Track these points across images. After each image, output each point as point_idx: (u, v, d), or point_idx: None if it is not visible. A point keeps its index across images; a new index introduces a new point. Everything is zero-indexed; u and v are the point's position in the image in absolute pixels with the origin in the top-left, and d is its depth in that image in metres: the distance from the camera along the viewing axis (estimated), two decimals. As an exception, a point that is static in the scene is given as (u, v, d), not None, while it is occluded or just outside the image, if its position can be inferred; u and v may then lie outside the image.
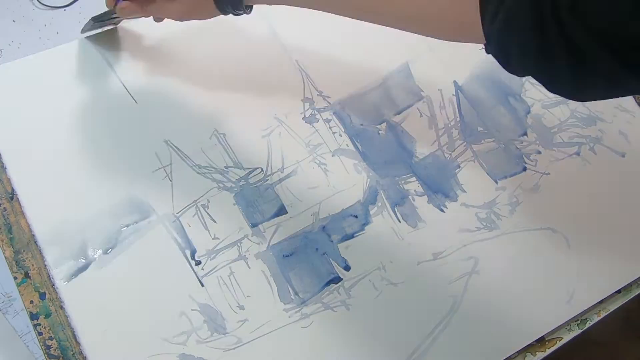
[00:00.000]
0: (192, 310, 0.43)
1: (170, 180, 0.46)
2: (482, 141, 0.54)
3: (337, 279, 0.47)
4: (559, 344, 0.50)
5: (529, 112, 0.56)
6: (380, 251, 0.48)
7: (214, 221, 0.46)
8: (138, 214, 0.45)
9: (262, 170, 0.48)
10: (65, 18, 0.57)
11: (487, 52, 0.35)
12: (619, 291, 0.53)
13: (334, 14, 0.41)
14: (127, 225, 0.44)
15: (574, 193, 0.54)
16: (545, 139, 0.56)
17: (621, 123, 0.58)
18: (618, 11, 0.27)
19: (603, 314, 0.52)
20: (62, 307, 0.42)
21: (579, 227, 0.53)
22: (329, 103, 0.52)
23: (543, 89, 0.58)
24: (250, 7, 0.43)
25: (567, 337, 0.50)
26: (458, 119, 0.54)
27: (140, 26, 0.51)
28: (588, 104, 0.58)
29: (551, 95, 0.57)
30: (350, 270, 0.47)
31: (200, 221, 0.46)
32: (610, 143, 0.57)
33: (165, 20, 0.46)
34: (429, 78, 0.55)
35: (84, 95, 0.47)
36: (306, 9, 0.42)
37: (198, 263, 0.45)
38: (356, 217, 0.49)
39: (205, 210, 0.46)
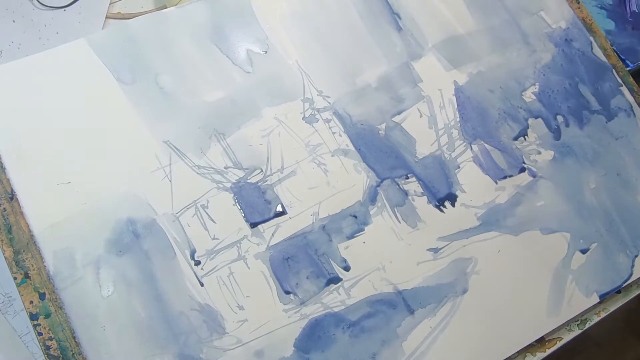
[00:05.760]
0: (191, 310, 0.43)
1: (170, 181, 0.46)
2: (482, 141, 0.54)
3: (336, 279, 0.47)
4: (559, 344, 0.50)
5: (529, 111, 0.56)
6: (380, 251, 0.48)
7: (214, 221, 0.46)
8: (137, 214, 0.45)
9: (261, 170, 0.48)
10: (65, 18, 0.57)
11: None
12: (619, 291, 0.53)
13: None
14: (127, 226, 0.44)
15: (574, 193, 0.54)
16: (545, 139, 0.56)
17: (621, 122, 0.58)
18: None
19: (603, 314, 0.52)
20: (61, 308, 0.42)
21: (579, 227, 0.53)
22: (329, 103, 0.52)
23: (542, 89, 0.58)
24: None
25: (567, 337, 0.50)
26: (458, 119, 0.54)
27: (139, 26, 0.51)
28: (587, 102, 0.58)
29: (550, 95, 0.57)
30: (350, 271, 0.47)
31: (200, 221, 0.46)
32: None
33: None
34: (429, 78, 0.55)
35: (84, 95, 0.47)
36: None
37: (197, 263, 0.45)
38: (356, 217, 0.49)
39: (205, 211, 0.46)
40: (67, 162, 0.45)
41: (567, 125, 0.57)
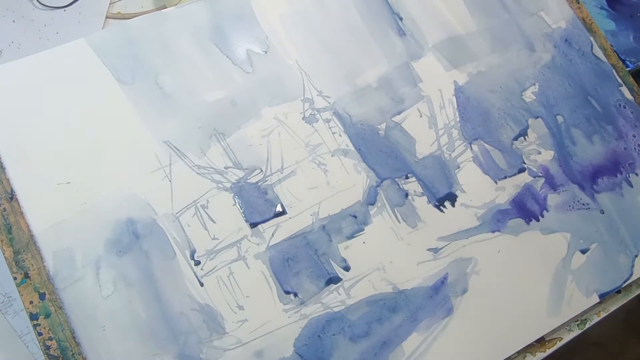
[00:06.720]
0: (191, 310, 0.43)
1: (170, 181, 0.46)
2: (482, 141, 0.54)
3: (336, 279, 0.47)
4: (559, 344, 0.50)
5: (529, 112, 0.56)
6: (380, 251, 0.48)
7: (213, 221, 0.46)
8: (137, 214, 0.45)
9: (261, 170, 0.48)
10: (65, 18, 0.57)
11: None
12: (619, 291, 0.53)
13: None
14: (127, 226, 0.44)
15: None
16: (545, 139, 0.56)
17: (621, 122, 0.58)
18: None
19: (603, 314, 0.52)
20: (61, 308, 0.42)
21: (579, 227, 0.53)
22: (329, 103, 0.52)
23: (542, 89, 0.58)
24: None
25: (567, 337, 0.50)
26: (458, 119, 0.54)
27: (139, 26, 0.51)
28: (587, 102, 0.58)
29: (550, 95, 0.57)
30: (350, 271, 0.47)
31: (200, 221, 0.46)
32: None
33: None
34: (429, 78, 0.55)
35: (83, 95, 0.47)
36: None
37: (197, 263, 0.45)
38: (356, 217, 0.49)
39: (205, 211, 0.46)
40: (67, 162, 0.45)
41: (567, 126, 0.57)
